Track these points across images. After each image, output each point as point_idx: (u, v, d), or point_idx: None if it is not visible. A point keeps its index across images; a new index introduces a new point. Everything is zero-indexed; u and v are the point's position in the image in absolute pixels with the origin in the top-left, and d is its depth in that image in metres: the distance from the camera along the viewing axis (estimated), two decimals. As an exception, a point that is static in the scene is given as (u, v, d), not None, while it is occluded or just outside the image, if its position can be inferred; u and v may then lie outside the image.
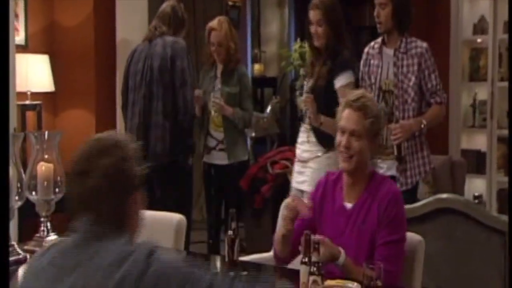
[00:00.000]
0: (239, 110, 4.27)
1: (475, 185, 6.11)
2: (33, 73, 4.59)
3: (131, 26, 4.75)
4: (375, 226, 2.34)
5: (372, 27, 9.12)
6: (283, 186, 4.58)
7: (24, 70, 4.50)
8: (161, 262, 1.54)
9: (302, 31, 5.90)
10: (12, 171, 2.42)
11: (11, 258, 2.46)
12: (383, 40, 3.64)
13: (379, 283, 2.01)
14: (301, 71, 6.35)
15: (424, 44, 3.56)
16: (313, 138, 3.53)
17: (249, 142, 5.51)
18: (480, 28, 6.14)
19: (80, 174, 1.60)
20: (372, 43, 3.73)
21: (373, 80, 3.61)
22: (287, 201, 2.44)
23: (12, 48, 4.13)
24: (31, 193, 2.57)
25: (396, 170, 3.51)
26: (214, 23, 4.26)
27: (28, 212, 2.69)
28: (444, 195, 3.19)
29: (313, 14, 3.52)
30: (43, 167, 2.57)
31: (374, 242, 2.33)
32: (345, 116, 2.38)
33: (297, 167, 3.62)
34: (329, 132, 3.20)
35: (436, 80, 3.54)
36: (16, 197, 2.48)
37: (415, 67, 3.50)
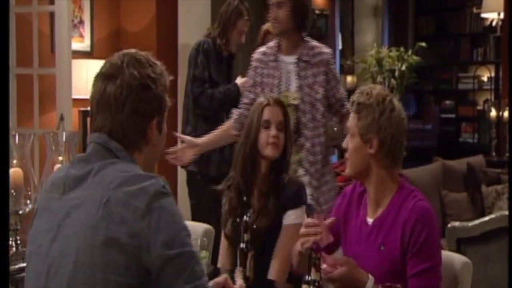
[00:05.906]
0: None
1: None
2: (94, 79, 4.57)
3: (193, 30, 4.65)
4: (396, 253, 2.00)
5: (472, 34, 8.48)
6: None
7: (85, 76, 4.49)
8: (164, 209, 1.46)
9: (396, 41, 5.43)
10: (21, 174, 2.33)
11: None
12: (278, 46, 3.08)
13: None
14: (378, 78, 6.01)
15: (328, 50, 3.10)
16: None
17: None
18: None
19: (106, 78, 1.55)
20: (263, 49, 3.15)
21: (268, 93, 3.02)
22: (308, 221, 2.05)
23: (68, 54, 4.14)
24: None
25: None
26: (269, 25, 3.99)
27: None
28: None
29: None
30: (59, 170, 2.46)
31: (395, 273, 1.99)
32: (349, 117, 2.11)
33: None
34: None
35: (342, 89, 3.12)
36: (28, 201, 2.38)
37: (322, 77, 3.01)
